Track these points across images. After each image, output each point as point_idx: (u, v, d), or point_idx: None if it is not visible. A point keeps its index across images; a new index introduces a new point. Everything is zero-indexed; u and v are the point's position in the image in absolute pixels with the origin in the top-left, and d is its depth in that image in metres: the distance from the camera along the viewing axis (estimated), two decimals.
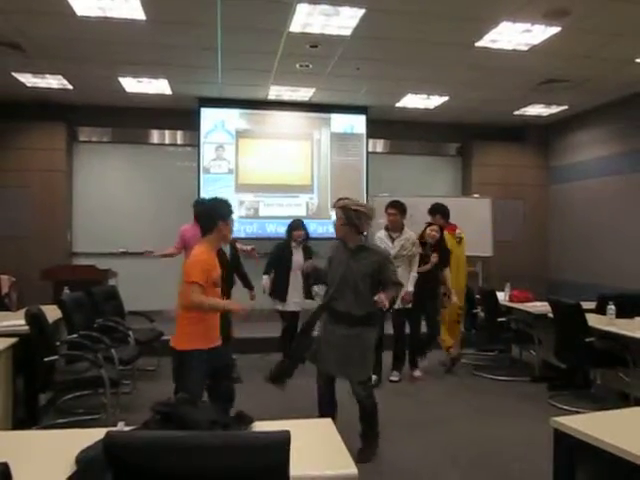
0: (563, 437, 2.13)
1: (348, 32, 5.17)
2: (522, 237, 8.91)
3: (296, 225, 5.84)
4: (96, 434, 1.87)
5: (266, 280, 5.72)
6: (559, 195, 8.85)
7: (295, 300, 5.70)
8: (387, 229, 5.27)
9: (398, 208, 5.22)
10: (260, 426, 2.05)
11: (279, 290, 5.69)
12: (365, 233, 3.70)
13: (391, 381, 5.40)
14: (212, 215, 3.16)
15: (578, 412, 4.51)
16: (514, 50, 5.53)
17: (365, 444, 3.63)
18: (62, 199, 7.80)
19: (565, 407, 4.68)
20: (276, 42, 5.43)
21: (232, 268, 5.37)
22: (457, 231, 6.33)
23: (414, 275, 5.28)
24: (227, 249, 5.40)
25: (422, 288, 5.35)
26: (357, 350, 3.54)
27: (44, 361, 3.73)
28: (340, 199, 3.70)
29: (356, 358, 3.54)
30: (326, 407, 3.68)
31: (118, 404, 4.42)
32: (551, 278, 8.85)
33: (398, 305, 5.12)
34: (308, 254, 5.77)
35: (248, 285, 5.59)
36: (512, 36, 5.22)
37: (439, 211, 6.08)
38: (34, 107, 7.69)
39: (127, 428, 1.93)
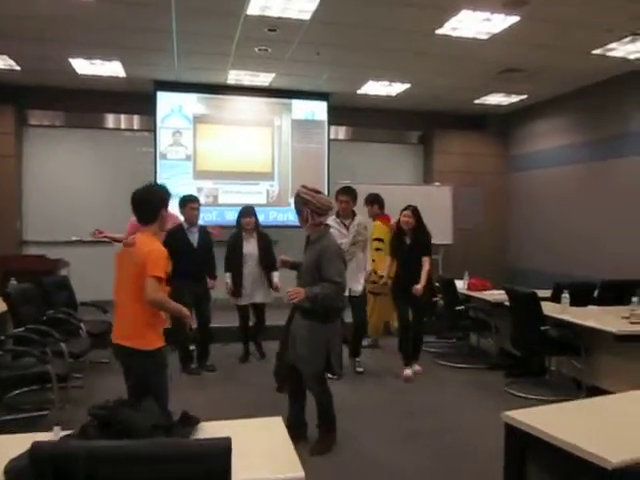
0: (514, 431, 2.12)
1: (307, 16, 5.05)
2: (482, 225, 9.01)
3: (244, 212, 5.52)
4: (29, 440, 1.78)
5: (228, 278, 5.47)
6: (518, 183, 8.98)
7: (249, 293, 5.48)
8: (338, 215, 5.21)
9: (350, 195, 5.16)
10: (206, 427, 1.97)
11: (233, 286, 5.45)
12: (323, 223, 3.58)
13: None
14: (154, 203, 2.91)
15: (534, 399, 4.63)
16: (474, 38, 5.52)
17: (319, 437, 3.59)
18: (11, 185, 7.46)
19: (521, 394, 4.76)
20: (233, 25, 5.27)
21: (204, 254, 5.27)
22: (392, 222, 6.34)
23: (369, 255, 5.45)
24: (195, 236, 5.28)
25: (406, 283, 5.11)
26: (305, 343, 3.45)
27: None
28: (301, 186, 3.61)
29: (305, 351, 3.46)
30: (292, 397, 3.68)
31: (68, 399, 4.27)
32: (510, 266, 9.00)
33: (359, 292, 5.17)
34: (264, 243, 5.52)
35: (211, 272, 5.39)
36: (472, 24, 5.21)
37: (376, 201, 6.16)
38: None
39: (63, 433, 1.83)
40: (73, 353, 4.34)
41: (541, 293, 5.10)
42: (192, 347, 5.51)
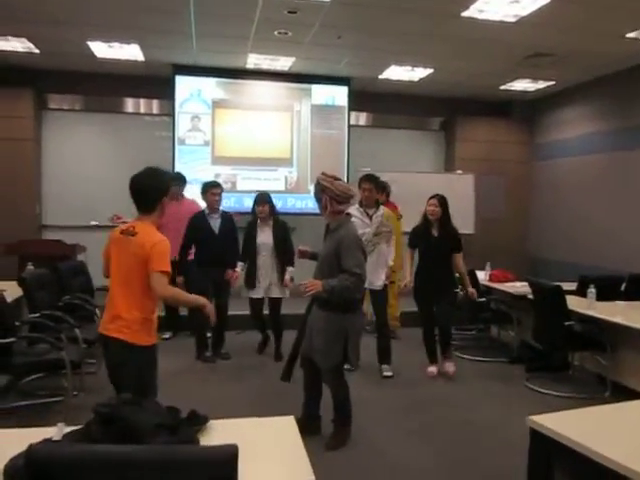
0: (539, 437, 2.01)
1: None
2: (504, 215, 8.80)
3: (259, 199, 5.19)
4: (32, 435, 1.72)
5: (241, 268, 5.23)
6: (542, 172, 8.72)
7: (264, 286, 5.21)
8: (361, 204, 4.96)
9: (373, 182, 4.88)
10: (215, 426, 1.90)
11: (246, 276, 5.23)
12: (344, 211, 3.47)
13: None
14: (155, 191, 2.74)
15: (555, 396, 4.50)
16: (501, 22, 5.30)
17: (334, 432, 3.52)
18: (30, 169, 7.47)
19: (542, 390, 4.64)
20: (252, 7, 5.13)
21: (226, 240, 5.16)
22: (399, 210, 6.20)
23: (393, 249, 5.04)
24: (217, 222, 5.20)
25: (432, 278, 4.83)
26: (323, 335, 3.37)
27: None
28: (322, 173, 3.50)
29: (322, 343, 3.38)
30: (307, 391, 3.62)
31: (82, 386, 4.27)
32: (533, 256, 8.80)
33: (379, 286, 4.93)
34: (280, 231, 5.21)
35: (232, 261, 5.26)
36: (500, 6, 4.99)
37: (382, 188, 5.88)
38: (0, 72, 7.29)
39: (67, 429, 1.77)
40: (87, 339, 4.31)
41: (565, 285, 4.94)
42: (208, 334, 5.47)
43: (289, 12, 5.23)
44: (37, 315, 4.22)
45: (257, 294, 5.26)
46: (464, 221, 7.95)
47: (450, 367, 4.98)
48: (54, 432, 1.73)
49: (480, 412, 4.19)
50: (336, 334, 3.34)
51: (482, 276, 6.07)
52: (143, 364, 2.75)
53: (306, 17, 5.35)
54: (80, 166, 7.80)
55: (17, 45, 6.48)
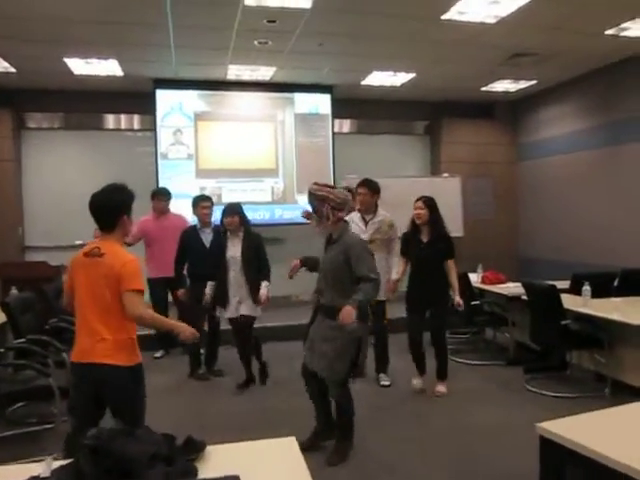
0: (550, 444, 1.94)
1: (308, 4, 4.84)
2: (493, 216, 8.80)
3: (227, 210, 4.76)
4: (25, 472, 1.62)
5: (210, 288, 4.83)
6: (529, 172, 8.74)
7: (233, 304, 4.70)
8: (360, 211, 4.86)
9: (368, 187, 4.76)
10: (213, 452, 1.80)
11: (218, 294, 4.79)
12: (346, 219, 3.42)
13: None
14: (113, 208, 2.68)
15: (556, 397, 4.45)
16: (482, 23, 5.30)
17: (336, 446, 3.43)
18: (11, 190, 7.32)
19: (543, 392, 4.58)
20: (231, 17, 5.07)
21: (218, 255, 4.91)
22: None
23: (396, 260, 4.83)
24: (209, 237, 5.12)
25: (424, 287, 4.57)
26: (329, 346, 3.28)
27: None
28: (314, 183, 3.43)
29: (328, 355, 3.29)
30: (319, 406, 3.53)
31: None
32: (523, 256, 8.79)
33: (384, 297, 4.77)
34: (252, 244, 4.71)
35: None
36: (480, 7, 4.98)
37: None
38: None
39: (55, 464, 1.67)
40: None
41: (557, 284, 4.91)
42: (201, 351, 5.36)
43: (268, 21, 5.19)
44: (22, 340, 4.08)
45: (229, 313, 4.76)
46: (453, 224, 7.88)
47: (442, 388, 4.62)
48: (42, 469, 1.64)
49: (481, 417, 4.12)
50: (348, 344, 3.26)
51: (474, 278, 6.03)
52: (133, 384, 2.67)
53: (286, 25, 5.31)
54: (62, 185, 7.65)
55: None
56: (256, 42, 5.82)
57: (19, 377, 3.79)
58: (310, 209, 3.47)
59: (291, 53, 6.22)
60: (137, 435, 1.66)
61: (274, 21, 5.18)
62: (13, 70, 6.54)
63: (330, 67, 6.87)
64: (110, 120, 7.87)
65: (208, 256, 4.97)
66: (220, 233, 5.06)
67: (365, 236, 4.74)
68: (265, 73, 7.14)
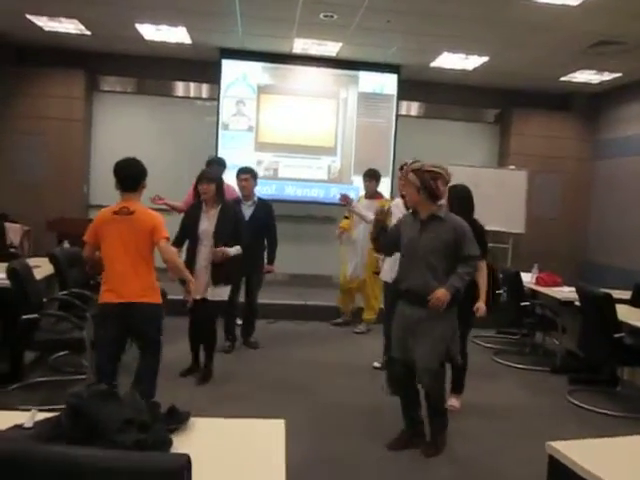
0: (558, 467, 1.76)
1: None
2: (559, 214, 8.31)
3: (200, 177, 4.22)
4: (12, 419, 1.65)
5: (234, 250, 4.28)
6: (603, 171, 8.15)
7: (202, 285, 4.17)
8: (403, 196, 4.73)
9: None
10: (196, 424, 1.76)
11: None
12: (442, 201, 3.24)
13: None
14: (141, 173, 3.29)
15: (600, 413, 4.14)
16: (563, 5, 4.90)
17: (432, 437, 3.34)
18: (79, 149, 7.63)
19: (585, 406, 4.28)
20: None
21: (258, 229, 4.95)
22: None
23: None
24: (250, 210, 5.03)
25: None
26: (426, 333, 3.15)
27: (22, 319, 3.55)
28: (413, 162, 3.27)
29: (424, 342, 3.16)
30: (408, 402, 3.39)
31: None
32: (588, 260, 8.27)
33: None
34: (224, 218, 4.18)
35: (269, 253, 5.22)
36: None
37: (375, 177, 5.71)
38: (53, 53, 7.46)
39: (39, 416, 1.68)
40: None
41: (620, 294, 4.56)
42: (238, 321, 5.40)
43: None
44: (66, 293, 4.25)
45: (193, 293, 3.97)
46: (514, 219, 7.58)
47: (455, 402, 4.07)
48: (26, 418, 1.66)
49: (516, 424, 3.89)
50: (445, 330, 3.18)
51: (528, 278, 5.72)
52: (161, 319, 3.37)
53: None
54: (128, 147, 7.74)
55: (69, 27, 6.59)
56: (322, 15, 5.68)
57: (59, 327, 3.94)
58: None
59: (358, 29, 6.04)
60: (118, 398, 1.64)
61: None
62: (88, 33, 6.75)
63: (398, 46, 6.63)
64: (178, 87, 8.01)
65: (246, 229, 4.95)
66: (264, 207, 5.08)
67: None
68: (332, 49, 6.99)
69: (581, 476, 1.65)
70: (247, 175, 5.10)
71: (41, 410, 1.71)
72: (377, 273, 5.83)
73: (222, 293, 4.29)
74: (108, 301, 3.20)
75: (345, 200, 4.69)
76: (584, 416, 4.12)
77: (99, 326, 3.35)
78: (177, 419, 1.74)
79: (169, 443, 1.59)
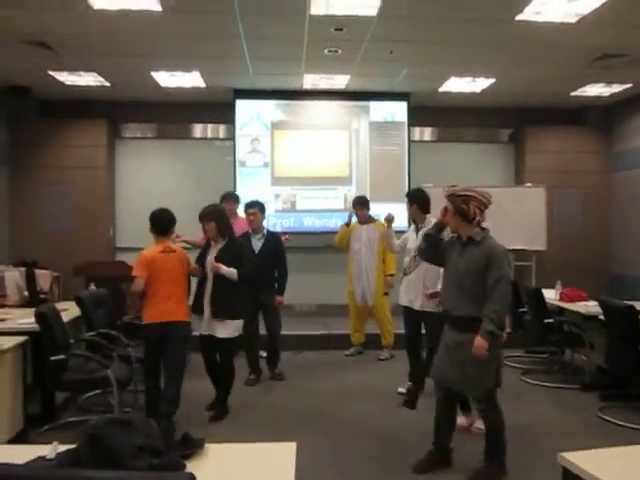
0: (572, 477, 1.76)
1: (374, 12, 4.81)
2: (581, 229, 8.21)
3: (200, 215, 4.35)
4: (36, 452, 1.73)
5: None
6: (623, 183, 8.06)
7: (207, 320, 4.26)
8: (414, 221, 4.84)
9: (409, 198, 4.74)
10: (210, 450, 1.82)
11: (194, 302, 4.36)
12: (484, 224, 3.24)
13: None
14: (172, 220, 4.20)
15: (633, 429, 4.04)
16: (561, 23, 4.98)
17: (484, 465, 3.26)
18: (104, 195, 7.90)
19: (617, 422, 4.19)
20: (299, 27, 5.15)
21: (268, 261, 5.11)
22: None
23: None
24: (260, 243, 5.16)
25: None
26: (470, 360, 3.13)
27: (50, 360, 3.68)
28: (450, 186, 3.32)
29: (469, 369, 3.15)
30: (441, 427, 3.40)
31: (135, 402, 4.36)
32: (614, 274, 8.12)
33: (429, 307, 4.62)
34: (228, 251, 4.26)
35: (279, 285, 5.31)
36: (558, 6, 4.69)
37: (366, 204, 6.06)
38: (76, 105, 7.81)
39: (61, 447, 1.76)
40: (140, 358, 4.41)
41: None
42: (263, 354, 5.44)
43: (336, 29, 5.21)
44: (93, 334, 4.38)
45: (201, 328, 4.32)
46: (535, 237, 7.52)
47: (463, 421, 4.00)
48: (48, 451, 1.74)
49: (546, 442, 3.80)
50: (491, 357, 3.11)
51: (552, 295, 5.66)
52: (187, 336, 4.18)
53: (354, 33, 5.30)
54: (150, 190, 8.12)
55: (89, 79, 6.92)
56: (326, 51, 5.87)
57: (87, 367, 4.06)
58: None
59: (363, 61, 6.21)
60: (134, 426, 1.70)
61: (341, 29, 5.20)
62: (107, 84, 7.08)
63: (405, 74, 6.77)
64: (196, 129, 8.27)
65: (256, 262, 5.03)
66: (274, 239, 5.20)
67: (416, 244, 4.64)
68: (340, 82, 7.18)
69: None
70: (254, 209, 5.19)
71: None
72: (386, 294, 5.87)
73: (230, 329, 4.25)
74: (153, 320, 3.99)
75: (389, 222, 4.76)
76: (616, 432, 4.02)
77: (147, 350, 4.10)
78: (191, 445, 1.80)
79: (182, 467, 1.65)
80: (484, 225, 3.30)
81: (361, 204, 5.96)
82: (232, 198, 6.02)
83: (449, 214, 3.25)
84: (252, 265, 4.46)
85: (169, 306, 3.97)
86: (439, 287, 4.60)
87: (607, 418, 4.28)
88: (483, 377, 3.15)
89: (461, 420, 3.95)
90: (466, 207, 3.16)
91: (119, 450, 1.57)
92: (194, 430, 1.98)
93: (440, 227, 3.41)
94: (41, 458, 1.70)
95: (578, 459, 1.76)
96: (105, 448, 1.59)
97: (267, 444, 1.88)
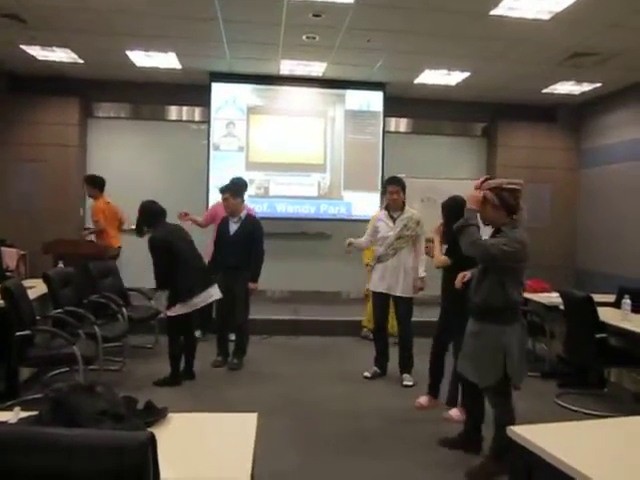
0: (519, 448, 1.85)
1: None
2: (549, 224, 8.41)
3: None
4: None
5: None
6: (590, 179, 8.29)
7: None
8: (387, 209, 4.92)
9: (399, 185, 4.81)
10: (172, 419, 1.86)
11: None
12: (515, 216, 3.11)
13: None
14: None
15: (586, 414, 4.20)
16: (534, 19, 5.08)
17: (484, 461, 3.23)
18: (75, 174, 7.78)
19: (572, 407, 4.36)
20: (277, 11, 5.14)
21: (241, 245, 5.09)
22: None
23: (422, 258, 4.80)
24: (235, 226, 5.13)
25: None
26: (477, 349, 3.14)
27: (15, 335, 3.65)
28: (486, 179, 3.18)
29: (475, 360, 3.17)
30: (468, 409, 3.52)
31: (100, 380, 4.34)
32: (579, 268, 8.36)
33: (410, 293, 4.80)
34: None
35: (252, 270, 5.23)
36: (531, 2, 4.78)
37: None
38: (48, 81, 7.66)
39: (23, 414, 1.78)
40: (106, 337, 4.41)
41: (606, 298, 4.64)
42: (232, 337, 5.45)
43: (314, 15, 5.22)
44: (59, 311, 4.35)
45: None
46: None
47: (454, 413, 4.03)
48: (11, 416, 1.75)
49: None
50: (492, 350, 3.06)
51: None
52: None
53: (332, 20, 5.32)
54: (122, 171, 8.04)
55: (62, 55, 6.79)
56: (304, 37, 5.88)
57: (53, 344, 4.04)
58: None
59: (340, 49, 6.24)
60: (96, 392, 1.73)
61: (319, 15, 5.21)
62: (81, 61, 6.95)
63: (381, 64, 6.82)
64: (171, 111, 8.19)
65: (229, 246, 5.08)
66: (250, 223, 5.19)
67: (393, 233, 4.75)
68: (317, 69, 7.19)
69: (540, 457, 1.74)
70: (226, 195, 5.17)
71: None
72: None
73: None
74: None
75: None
76: (571, 417, 4.13)
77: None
78: (153, 412, 1.83)
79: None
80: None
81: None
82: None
83: (488, 206, 3.07)
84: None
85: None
86: (422, 273, 4.76)
87: (563, 404, 4.45)
88: (488, 370, 3.09)
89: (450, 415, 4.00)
90: (515, 202, 3.06)
91: (81, 414, 1.60)
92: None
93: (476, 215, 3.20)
94: (2, 423, 1.72)
95: (525, 432, 1.85)
96: (67, 411, 1.62)
97: (228, 414, 1.93)
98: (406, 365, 4.84)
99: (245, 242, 5.09)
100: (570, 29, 5.30)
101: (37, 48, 6.55)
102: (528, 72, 6.78)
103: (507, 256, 2.97)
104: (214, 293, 4.79)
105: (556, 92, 7.68)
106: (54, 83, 7.68)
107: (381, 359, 4.98)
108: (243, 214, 5.21)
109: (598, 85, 7.29)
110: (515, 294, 3.08)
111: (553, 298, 5.31)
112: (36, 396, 4.15)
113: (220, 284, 4.95)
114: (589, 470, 1.56)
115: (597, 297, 4.43)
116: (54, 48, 6.53)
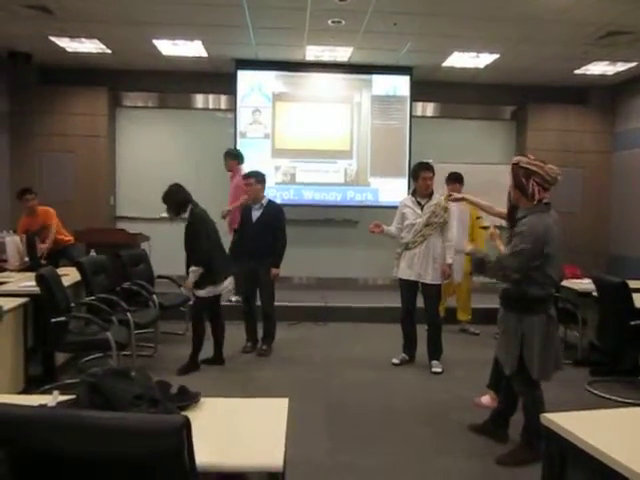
0: (554, 436, 1.83)
1: None
2: (581, 209, 8.23)
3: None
4: (39, 401, 1.79)
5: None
6: (624, 163, 8.06)
7: None
8: (414, 194, 4.88)
9: (433, 171, 4.79)
10: (206, 403, 1.89)
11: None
12: (544, 200, 3.01)
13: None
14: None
15: (618, 402, 4.13)
16: None
17: (515, 448, 3.22)
18: (104, 164, 7.90)
19: (604, 395, 4.29)
20: None
21: (263, 231, 5.10)
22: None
23: (449, 244, 4.77)
24: (258, 213, 5.15)
25: None
26: (502, 337, 3.18)
27: (51, 322, 3.75)
28: (518, 154, 3.19)
29: (501, 346, 3.21)
30: (499, 394, 3.50)
31: (134, 366, 4.44)
32: (612, 253, 8.17)
33: (439, 280, 4.79)
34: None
35: (273, 257, 5.25)
36: None
37: (458, 179, 5.78)
38: (77, 72, 7.77)
39: (61, 398, 1.83)
40: (138, 323, 4.50)
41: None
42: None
43: (339, 0, 5.16)
44: (92, 298, 4.46)
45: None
46: None
47: (486, 399, 3.97)
48: (49, 400, 1.81)
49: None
50: (513, 337, 3.07)
51: None
52: None
53: (357, 4, 5.25)
54: (151, 159, 8.15)
55: (90, 46, 6.87)
56: (330, 22, 5.82)
57: (87, 330, 4.14)
58: None
59: (367, 33, 6.16)
60: (131, 376, 1.77)
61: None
62: (108, 51, 7.03)
63: (408, 48, 6.71)
64: (197, 100, 8.24)
65: (251, 232, 5.12)
66: (273, 210, 5.21)
67: (421, 220, 4.71)
68: (343, 54, 7.13)
69: (574, 444, 1.72)
70: (250, 180, 5.18)
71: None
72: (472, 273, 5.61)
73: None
74: None
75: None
76: (602, 404, 4.09)
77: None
78: (187, 397, 1.87)
79: None
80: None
81: (454, 179, 5.79)
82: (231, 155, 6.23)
83: (510, 184, 3.07)
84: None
85: None
86: (449, 260, 4.73)
87: (595, 392, 4.38)
88: (506, 358, 3.12)
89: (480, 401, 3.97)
90: (525, 181, 2.98)
91: (117, 398, 1.64)
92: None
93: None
94: (42, 406, 1.77)
95: (559, 419, 1.83)
96: (103, 395, 1.66)
97: (260, 399, 1.95)
98: (435, 351, 4.82)
99: (267, 228, 5.10)
100: (604, 7, 5.12)
101: (66, 40, 6.64)
102: (559, 53, 6.60)
103: (527, 256, 2.94)
104: (228, 284, 4.85)
105: (589, 73, 7.45)
106: (83, 74, 7.79)
107: (409, 346, 4.97)
108: (265, 200, 5.23)
109: (633, 65, 7.05)
110: (533, 289, 3.01)
111: (585, 285, 5.20)
112: (73, 380, 4.28)
113: (244, 270, 5.00)
114: (624, 457, 1.53)
115: (631, 283, 4.33)
116: (82, 39, 6.61)
